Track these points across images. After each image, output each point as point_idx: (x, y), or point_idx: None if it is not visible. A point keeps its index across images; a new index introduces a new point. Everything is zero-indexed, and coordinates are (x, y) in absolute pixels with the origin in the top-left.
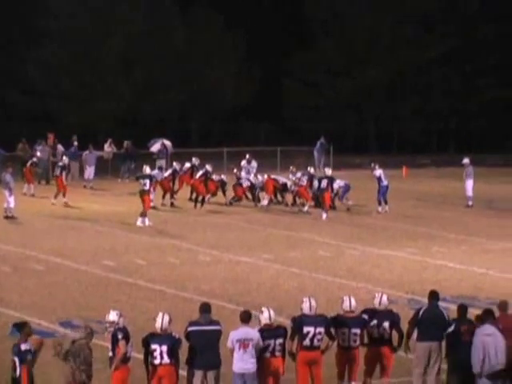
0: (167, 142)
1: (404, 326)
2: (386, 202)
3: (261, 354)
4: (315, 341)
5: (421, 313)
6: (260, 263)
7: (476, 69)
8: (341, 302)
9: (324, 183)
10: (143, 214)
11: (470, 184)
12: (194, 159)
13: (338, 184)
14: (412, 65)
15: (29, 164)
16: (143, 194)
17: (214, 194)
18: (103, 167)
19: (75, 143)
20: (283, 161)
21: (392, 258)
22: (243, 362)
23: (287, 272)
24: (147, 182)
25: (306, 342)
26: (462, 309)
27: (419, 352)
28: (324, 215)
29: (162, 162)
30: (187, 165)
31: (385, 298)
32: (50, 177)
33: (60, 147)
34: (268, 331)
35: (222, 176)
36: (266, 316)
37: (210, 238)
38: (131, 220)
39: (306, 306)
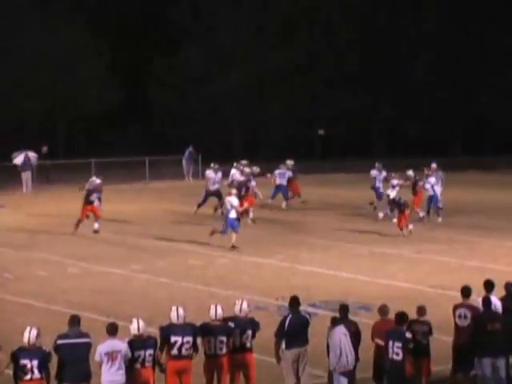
0: (32, 154)
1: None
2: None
3: (131, 365)
4: (183, 350)
5: (287, 323)
6: (129, 274)
7: (337, 76)
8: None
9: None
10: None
11: (438, 190)
12: None
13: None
14: (274, 70)
15: None
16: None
17: None
18: None
19: None
20: (151, 170)
21: (261, 265)
22: (111, 375)
23: (157, 282)
24: None
25: (174, 351)
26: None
27: (289, 360)
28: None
29: (27, 174)
30: None
31: (245, 304)
32: None
33: None
34: (138, 342)
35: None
36: (134, 327)
37: (79, 250)
38: None
39: (174, 315)
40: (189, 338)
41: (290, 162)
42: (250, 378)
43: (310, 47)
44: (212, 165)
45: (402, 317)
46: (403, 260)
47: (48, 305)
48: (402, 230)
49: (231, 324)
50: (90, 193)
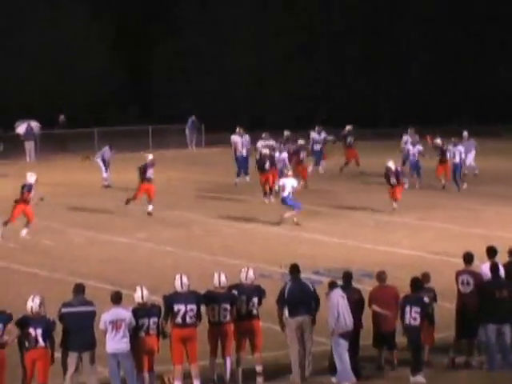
0: (34, 123)
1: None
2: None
3: (135, 333)
4: (187, 318)
5: (286, 290)
6: (134, 243)
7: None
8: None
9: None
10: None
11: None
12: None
13: None
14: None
15: None
16: None
17: None
18: None
19: None
20: (154, 140)
21: (269, 234)
22: (115, 343)
23: (162, 250)
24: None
25: (178, 319)
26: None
27: (292, 327)
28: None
29: (30, 144)
30: None
31: (251, 272)
32: None
33: None
34: (142, 310)
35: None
36: (138, 295)
37: (84, 219)
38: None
39: (178, 284)
40: (192, 306)
41: (348, 127)
42: (256, 345)
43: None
44: (237, 129)
45: (417, 282)
46: (408, 227)
47: (53, 274)
48: (395, 201)
49: (235, 292)
50: (145, 169)
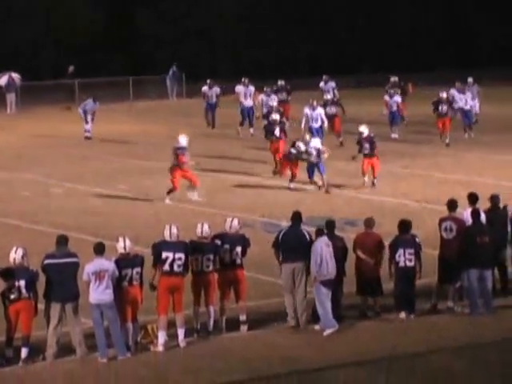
0: (15, 75)
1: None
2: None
3: (118, 284)
4: (175, 266)
5: (281, 235)
6: (116, 194)
7: None
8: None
9: None
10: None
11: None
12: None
13: None
14: None
15: None
16: None
17: None
18: None
19: None
20: (136, 90)
21: (248, 184)
22: (99, 293)
23: (143, 201)
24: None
25: (166, 267)
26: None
27: (284, 274)
28: None
29: (11, 96)
30: None
31: (236, 221)
32: None
33: None
34: (124, 260)
35: None
36: (121, 245)
37: (64, 170)
38: None
39: (167, 233)
40: (180, 255)
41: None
42: (240, 294)
43: None
44: (242, 79)
45: (406, 224)
46: (391, 175)
47: (34, 225)
48: (363, 175)
49: (218, 241)
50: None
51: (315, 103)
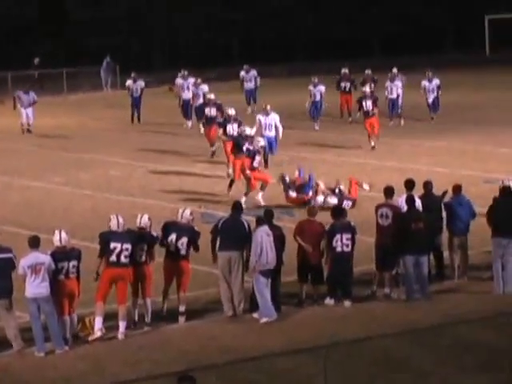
0: None
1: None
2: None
3: (55, 277)
4: (122, 257)
5: (221, 222)
6: (52, 187)
7: None
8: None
9: None
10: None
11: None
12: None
13: None
14: None
15: None
16: None
17: None
18: None
19: None
20: (69, 82)
21: (184, 175)
22: (35, 287)
23: (80, 194)
24: None
25: (113, 257)
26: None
27: (219, 262)
28: None
29: None
30: None
31: (187, 212)
32: None
33: None
34: (61, 254)
35: None
36: (57, 238)
37: (0, 163)
38: None
39: (114, 223)
40: (127, 246)
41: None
42: (182, 285)
43: None
44: (181, 72)
45: (340, 210)
46: (325, 163)
47: None
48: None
49: (154, 233)
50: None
51: (269, 107)
